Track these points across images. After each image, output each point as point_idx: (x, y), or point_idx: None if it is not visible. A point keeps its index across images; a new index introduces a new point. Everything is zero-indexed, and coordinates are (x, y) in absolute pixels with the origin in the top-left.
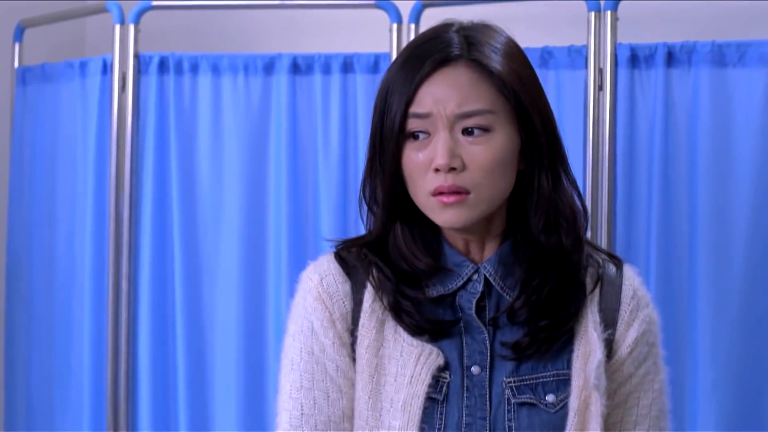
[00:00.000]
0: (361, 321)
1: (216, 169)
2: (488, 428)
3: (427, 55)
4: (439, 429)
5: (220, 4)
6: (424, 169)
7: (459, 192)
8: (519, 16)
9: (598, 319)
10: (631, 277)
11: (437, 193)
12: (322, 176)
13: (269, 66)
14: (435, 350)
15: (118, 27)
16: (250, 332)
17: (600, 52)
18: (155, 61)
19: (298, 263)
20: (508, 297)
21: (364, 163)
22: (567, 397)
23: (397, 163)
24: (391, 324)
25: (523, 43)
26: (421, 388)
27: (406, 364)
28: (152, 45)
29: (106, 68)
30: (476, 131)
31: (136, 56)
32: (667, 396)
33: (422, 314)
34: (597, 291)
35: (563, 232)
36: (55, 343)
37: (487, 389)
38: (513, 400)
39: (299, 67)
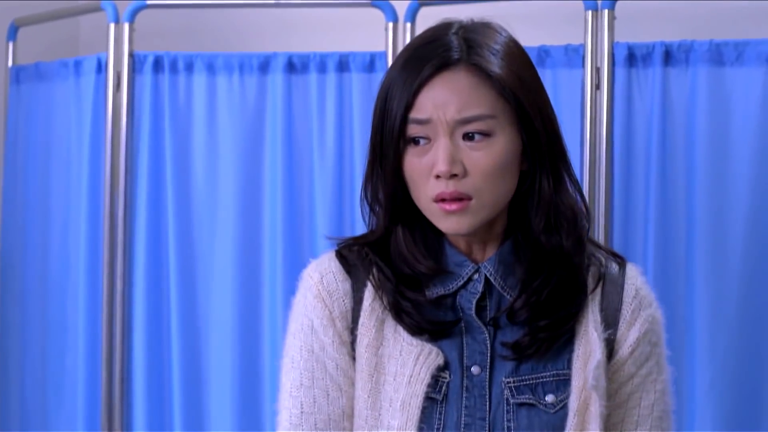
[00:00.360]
0: (361, 320)
1: (211, 168)
2: (487, 429)
3: (427, 58)
4: (437, 429)
5: (215, 3)
6: (426, 174)
7: (461, 198)
8: (516, 15)
9: (599, 318)
10: (634, 276)
11: (439, 199)
12: (318, 176)
13: (264, 65)
14: (435, 350)
15: (112, 26)
16: (245, 332)
17: (597, 50)
18: (150, 60)
19: (293, 263)
20: (508, 297)
21: (363, 164)
22: (567, 397)
23: (398, 168)
24: (391, 323)
25: (519, 42)
26: (420, 388)
27: (405, 363)
28: (147, 44)
29: (101, 67)
30: (477, 136)
31: (131, 55)
32: (671, 396)
33: (422, 315)
34: (599, 290)
35: (564, 234)
36: (49, 344)
37: (487, 389)
38: (512, 401)
39: (295, 66)
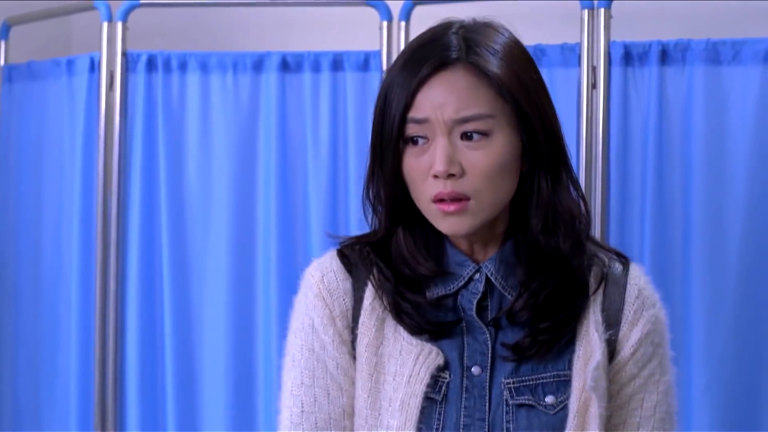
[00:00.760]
0: (362, 319)
1: (205, 168)
2: (486, 429)
3: (426, 58)
4: (436, 429)
5: (209, 1)
6: (424, 175)
7: (459, 199)
8: (512, 14)
9: (600, 319)
10: (637, 276)
11: (437, 199)
12: (312, 175)
13: (258, 64)
14: (435, 350)
15: (105, 25)
16: (238, 332)
17: (593, 49)
18: (143, 59)
19: (287, 262)
20: (509, 297)
21: (358, 163)
22: (567, 398)
23: (398, 168)
24: (391, 322)
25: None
26: (419, 388)
27: (405, 363)
28: (140, 43)
29: (94, 66)
30: (475, 136)
31: (124, 54)
32: (674, 398)
33: (422, 316)
34: (600, 291)
35: (561, 236)
36: (41, 343)
37: (487, 390)
38: (511, 402)
39: (289, 65)
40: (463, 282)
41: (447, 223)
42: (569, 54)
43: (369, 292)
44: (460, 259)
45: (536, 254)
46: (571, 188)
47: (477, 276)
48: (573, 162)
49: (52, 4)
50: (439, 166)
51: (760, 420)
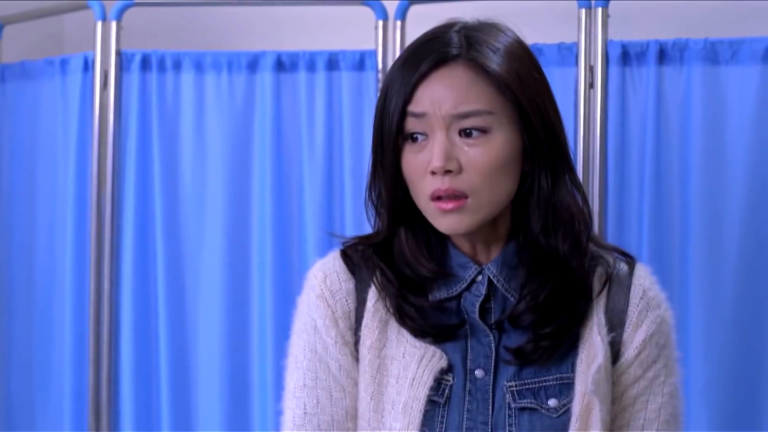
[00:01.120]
0: (365, 320)
1: (199, 168)
2: None
3: (426, 54)
4: None
5: (203, 1)
6: (422, 172)
7: (457, 196)
8: (509, 13)
9: (603, 321)
10: (642, 277)
11: (435, 197)
12: (307, 175)
13: (253, 63)
14: (438, 352)
15: (99, 24)
16: (233, 332)
17: (591, 49)
18: (137, 58)
19: (282, 263)
20: (512, 299)
21: (353, 163)
22: (570, 401)
23: (398, 166)
24: (394, 324)
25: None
26: (422, 391)
27: (408, 365)
28: (134, 42)
29: (88, 66)
30: (474, 133)
31: (118, 53)
32: (680, 400)
33: (426, 319)
34: (604, 293)
35: (560, 236)
36: (35, 343)
37: (491, 393)
38: (513, 405)
39: (284, 64)
40: (465, 284)
41: (444, 221)
42: (566, 53)
43: (372, 294)
44: (462, 261)
45: (536, 255)
46: (573, 189)
47: (479, 278)
48: None
49: (46, 3)
50: (437, 162)
51: (758, 419)
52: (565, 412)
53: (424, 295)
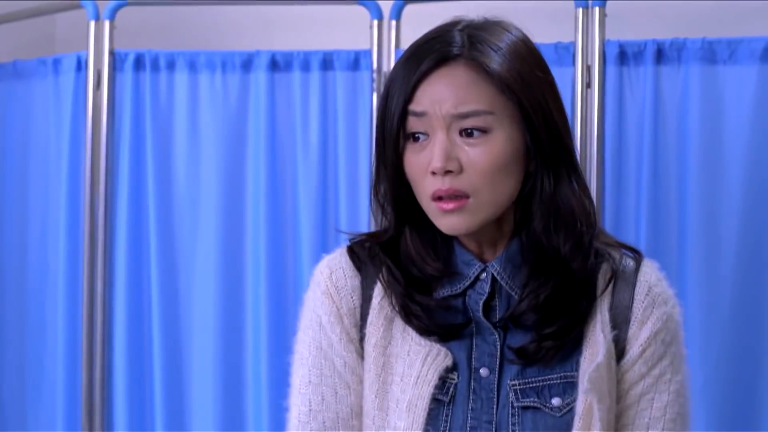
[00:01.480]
0: (370, 317)
1: (193, 168)
2: (493, 431)
3: (427, 53)
4: (443, 431)
5: (197, 0)
6: (424, 172)
7: (458, 196)
8: (505, 12)
9: (607, 319)
10: (648, 273)
11: (436, 197)
12: (301, 175)
13: (247, 63)
14: (443, 350)
15: (93, 23)
16: (227, 332)
17: (588, 48)
18: (131, 58)
19: (276, 262)
20: (516, 297)
21: (347, 163)
22: (574, 400)
23: (400, 165)
24: (399, 322)
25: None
26: (426, 390)
27: (413, 363)
28: (128, 42)
29: (81, 65)
30: (475, 132)
31: (112, 53)
32: (687, 398)
33: (431, 318)
34: (609, 290)
35: (562, 237)
36: (27, 344)
37: (495, 392)
38: (516, 404)
39: (278, 64)
40: (469, 282)
41: (445, 221)
42: (563, 53)
43: (378, 291)
44: (467, 259)
45: (538, 255)
46: (578, 190)
47: (483, 276)
48: None
49: (38, 3)
50: (436, 162)
51: (756, 419)
52: (568, 412)
53: (430, 293)
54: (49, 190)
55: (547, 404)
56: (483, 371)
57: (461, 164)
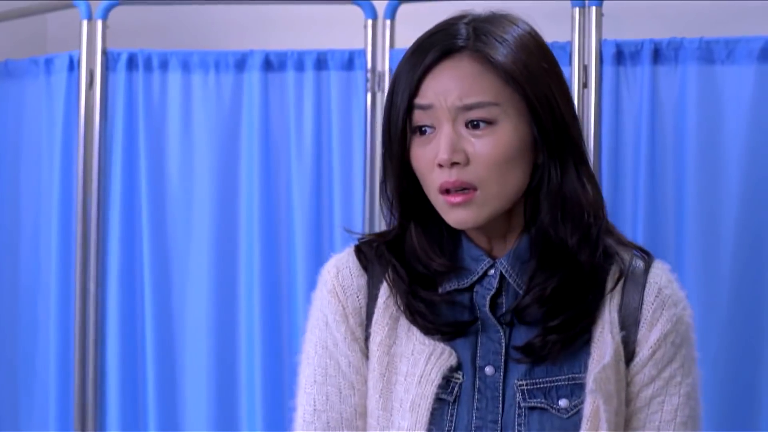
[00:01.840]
0: (375, 317)
1: (186, 168)
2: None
3: (432, 46)
4: (448, 431)
5: None
6: (431, 164)
7: (465, 189)
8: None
9: (616, 320)
10: (658, 275)
11: (443, 190)
12: (295, 175)
13: (241, 63)
14: (447, 349)
15: (85, 23)
16: (220, 333)
17: (584, 48)
18: (124, 57)
19: (270, 262)
20: (522, 294)
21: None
22: (582, 402)
23: (406, 160)
24: (404, 322)
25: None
26: (429, 389)
27: (416, 363)
28: (120, 41)
29: (73, 65)
30: (481, 124)
31: (104, 53)
32: (698, 401)
33: (436, 315)
34: (618, 290)
35: (569, 229)
36: (20, 345)
37: (501, 391)
38: (523, 404)
39: (272, 63)
40: (476, 277)
41: (453, 214)
42: (560, 53)
43: (384, 290)
44: (475, 254)
45: (546, 247)
46: (585, 181)
47: (491, 272)
48: None
49: (31, 2)
50: (443, 154)
51: (755, 420)
52: (576, 413)
53: (435, 289)
54: (41, 190)
55: (554, 405)
56: (488, 369)
57: (468, 156)
